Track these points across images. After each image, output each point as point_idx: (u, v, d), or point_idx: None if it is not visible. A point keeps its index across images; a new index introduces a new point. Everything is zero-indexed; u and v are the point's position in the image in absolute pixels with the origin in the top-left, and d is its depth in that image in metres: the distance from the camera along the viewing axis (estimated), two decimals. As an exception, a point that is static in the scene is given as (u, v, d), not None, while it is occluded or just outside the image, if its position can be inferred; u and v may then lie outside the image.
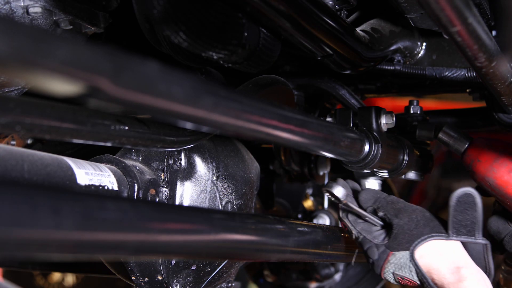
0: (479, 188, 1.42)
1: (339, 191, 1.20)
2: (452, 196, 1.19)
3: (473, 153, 1.34)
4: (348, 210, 1.26)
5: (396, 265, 1.21)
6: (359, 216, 1.26)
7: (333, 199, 1.23)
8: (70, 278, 4.15)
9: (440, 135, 1.38)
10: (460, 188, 1.19)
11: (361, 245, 1.26)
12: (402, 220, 1.21)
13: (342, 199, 1.21)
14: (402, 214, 1.21)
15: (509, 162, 1.30)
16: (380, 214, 1.24)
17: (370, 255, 1.24)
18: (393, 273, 1.22)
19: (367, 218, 1.25)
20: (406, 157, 1.33)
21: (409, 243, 1.19)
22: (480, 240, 1.19)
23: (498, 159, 1.31)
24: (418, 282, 1.19)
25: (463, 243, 1.20)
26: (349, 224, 1.27)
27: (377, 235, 1.24)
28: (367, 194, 1.27)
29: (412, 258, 1.18)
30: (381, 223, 1.25)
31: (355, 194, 1.29)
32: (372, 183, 1.36)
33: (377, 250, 1.23)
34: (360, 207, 1.26)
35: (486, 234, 1.45)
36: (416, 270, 1.18)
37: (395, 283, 1.24)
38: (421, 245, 1.19)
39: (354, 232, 1.26)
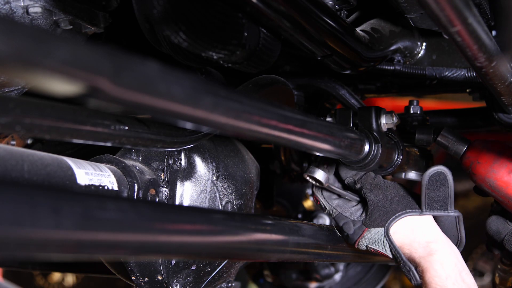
0: (477, 189, 1.43)
1: (320, 175, 1.28)
2: (424, 175, 1.25)
3: (472, 155, 1.34)
4: (323, 188, 1.31)
5: (370, 239, 1.27)
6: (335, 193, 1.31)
7: (314, 183, 1.29)
8: (70, 278, 4.15)
9: (438, 138, 1.39)
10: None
11: (336, 221, 1.31)
12: (377, 196, 1.26)
13: (324, 183, 1.27)
14: (377, 191, 1.26)
15: (508, 162, 1.30)
16: (358, 186, 1.28)
17: (346, 230, 1.29)
18: (366, 246, 1.28)
19: (344, 195, 1.30)
20: (399, 157, 1.33)
21: (384, 220, 1.25)
22: (452, 213, 1.26)
23: (497, 160, 1.31)
24: (391, 256, 1.25)
25: (436, 217, 1.27)
26: (322, 200, 1.32)
27: (353, 211, 1.30)
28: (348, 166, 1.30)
29: (386, 235, 1.24)
30: (357, 198, 1.30)
31: (337, 167, 1.32)
32: None
33: (353, 226, 1.28)
34: (340, 178, 1.31)
35: (485, 234, 1.46)
36: (389, 246, 1.24)
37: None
38: (395, 222, 1.24)
39: (327, 207, 1.31)
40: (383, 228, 1.25)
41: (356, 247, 1.30)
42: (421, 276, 1.20)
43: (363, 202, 1.29)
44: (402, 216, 1.24)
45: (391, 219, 1.24)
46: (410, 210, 1.24)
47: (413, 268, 1.21)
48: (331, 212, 1.31)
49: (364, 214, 1.27)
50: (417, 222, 1.25)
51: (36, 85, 0.50)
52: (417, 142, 1.42)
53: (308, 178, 1.30)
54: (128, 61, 0.55)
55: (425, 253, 1.20)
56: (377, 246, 1.26)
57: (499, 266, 1.59)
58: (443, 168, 1.25)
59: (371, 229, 1.26)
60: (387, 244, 1.24)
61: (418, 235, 1.23)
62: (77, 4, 1.15)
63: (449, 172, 1.25)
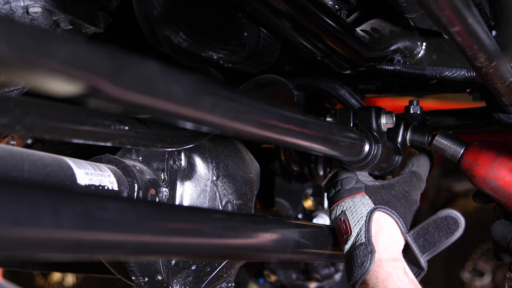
0: (476, 196, 1.40)
1: None
2: (442, 211, 1.23)
3: (471, 157, 1.30)
4: None
5: (354, 206, 1.24)
6: None
7: None
8: (70, 278, 4.15)
9: (434, 142, 1.34)
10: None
11: (339, 174, 1.29)
12: (397, 185, 1.24)
13: None
14: (406, 184, 1.26)
15: (508, 161, 1.27)
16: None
17: (344, 183, 1.27)
18: (342, 211, 1.24)
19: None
20: (399, 157, 1.33)
21: (381, 203, 1.23)
22: (423, 261, 1.22)
23: (497, 159, 1.28)
24: (354, 233, 1.21)
25: (408, 248, 1.24)
26: None
27: (367, 175, 1.28)
28: None
29: (371, 212, 1.22)
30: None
31: None
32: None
33: (354, 183, 1.26)
34: None
35: (492, 242, 1.44)
36: (365, 223, 1.21)
37: (330, 220, 1.27)
38: (386, 213, 1.22)
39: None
40: (373, 206, 1.23)
41: (330, 208, 1.28)
42: (381, 280, 1.16)
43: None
44: (394, 217, 1.22)
45: (388, 209, 1.22)
46: (404, 224, 1.23)
47: (374, 253, 1.17)
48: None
49: (373, 184, 1.25)
50: (398, 233, 1.23)
51: (36, 85, 0.50)
52: (411, 143, 1.38)
53: None
54: (128, 61, 0.55)
55: (388, 257, 1.18)
56: (351, 217, 1.22)
57: (508, 276, 1.54)
58: (462, 219, 1.22)
59: (365, 197, 1.24)
60: (362, 222, 1.21)
61: (393, 239, 1.21)
62: (77, 4, 1.15)
63: (463, 228, 1.22)
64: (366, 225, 1.20)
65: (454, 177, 3.93)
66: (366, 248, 1.17)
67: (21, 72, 0.47)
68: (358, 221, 1.22)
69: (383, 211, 1.23)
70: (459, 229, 1.23)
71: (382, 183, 1.25)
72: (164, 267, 1.25)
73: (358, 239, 1.20)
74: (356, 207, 1.24)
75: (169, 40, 1.12)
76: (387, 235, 1.21)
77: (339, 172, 1.29)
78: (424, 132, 1.37)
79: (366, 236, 1.19)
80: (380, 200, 1.24)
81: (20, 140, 1.59)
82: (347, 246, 1.21)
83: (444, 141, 1.34)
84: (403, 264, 1.18)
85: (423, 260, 1.22)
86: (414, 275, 1.23)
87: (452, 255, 3.84)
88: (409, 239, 1.22)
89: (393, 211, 1.23)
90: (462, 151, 1.32)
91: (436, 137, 1.34)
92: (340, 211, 1.26)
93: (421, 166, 1.31)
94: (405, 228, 1.23)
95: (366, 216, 1.22)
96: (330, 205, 1.29)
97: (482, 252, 3.80)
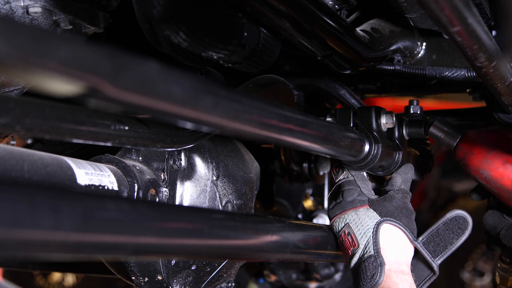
0: (477, 190, 1.41)
1: None
2: (450, 212, 1.24)
3: (466, 146, 1.31)
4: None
5: (358, 218, 1.23)
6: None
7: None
8: (70, 278, 4.15)
9: (431, 129, 1.35)
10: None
11: (341, 185, 1.28)
12: (396, 196, 1.24)
13: None
14: (404, 195, 1.25)
15: (503, 153, 1.27)
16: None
17: (345, 195, 1.26)
18: (346, 224, 1.23)
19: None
20: (399, 157, 1.33)
21: (386, 215, 1.22)
22: (435, 265, 1.23)
23: (491, 150, 1.28)
24: (361, 245, 1.20)
25: (415, 253, 1.24)
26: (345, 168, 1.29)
27: (369, 189, 1.28)
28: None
29: (378, 224, 1.21)
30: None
31: None
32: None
33: (356, 195, 1.25)
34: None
35: (483, 231, 1.46)
36: (373, 237, 1.19)
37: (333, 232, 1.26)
38: (393, 225, 1.22)
39: (344, 174, 1.29)
40: (379, 219, 1.22)
41: (332, 219, 1.26)
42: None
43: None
44: (401, 228, 1.22)
45: (393, 220, 1.21)
46: (411, 231, 1.22)
47: (384, 266, 1.16)
48: (344, 177, 1.29)
49: (376, 198, 1.25)
50: (407, 242, 1.23)
51: (36, 85, 0.50)
52: (409, 135, 1.38)
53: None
54: (128, 61, 0.55)
55: (397, 269, 1.17)
56: (357, 230, 1.21)
57: (498, 265, 1.56)
58: (470, 219, 1.24)
59: (370, 210, 1.23)
60: (369, 235, 1.20)
61: (401, 250, 1.21)
62: (77, 4, 1.15)
63: (471, 227, 1.24)
64: (374, 237, 1.19)
65: (454, 177, 3.93)
66: (375, 260, 1.16)
67: (21, 72, 0.47)
68: (364, 233, 1.20)
69: (390, 223, 1.22)
70: (468, 227, 1.24)
71: (384, 196, 1.25)
72: (164, 267, 1.25)
73: (366, 252, 1.18)
74: (361, 219, 1.22)
75: (169, 40, 1.12)
76: (395, 247, 1.20)
77: (341, 184, 1.29)
78: (420, 123, 1.38)
79: (375, 248, 1.18)
80: (386, 213, 1.23)
81: (20, 140, 1.59)
82: (354, 259, 1.20)
83: (440, 129, 1.35)
84: (410, 279, 1.18)
85: (435, 265, 1.22)
86: (426, 278, 1.24)
87: (452, 255, 3.84)
88: (418, 246, 1.22)
89: (399, 222, 1.22)
90: (458, 140, 1.33)
91: (434, 123, 1.35)
92: (343, 224, 1.24)
93: (408, 180, 1.31)
94: (413, 236, 1.22)
95: (373, 228, 1.20)
96: (330, 217, 1.28)
97: (482, 252, 3.80)
